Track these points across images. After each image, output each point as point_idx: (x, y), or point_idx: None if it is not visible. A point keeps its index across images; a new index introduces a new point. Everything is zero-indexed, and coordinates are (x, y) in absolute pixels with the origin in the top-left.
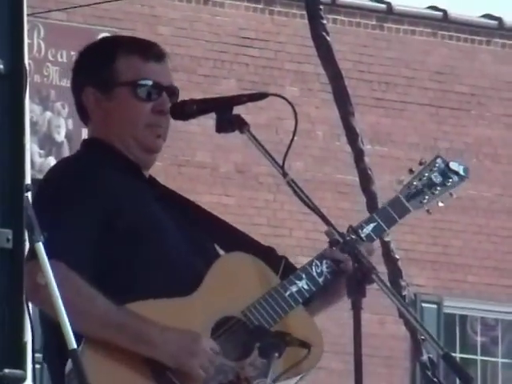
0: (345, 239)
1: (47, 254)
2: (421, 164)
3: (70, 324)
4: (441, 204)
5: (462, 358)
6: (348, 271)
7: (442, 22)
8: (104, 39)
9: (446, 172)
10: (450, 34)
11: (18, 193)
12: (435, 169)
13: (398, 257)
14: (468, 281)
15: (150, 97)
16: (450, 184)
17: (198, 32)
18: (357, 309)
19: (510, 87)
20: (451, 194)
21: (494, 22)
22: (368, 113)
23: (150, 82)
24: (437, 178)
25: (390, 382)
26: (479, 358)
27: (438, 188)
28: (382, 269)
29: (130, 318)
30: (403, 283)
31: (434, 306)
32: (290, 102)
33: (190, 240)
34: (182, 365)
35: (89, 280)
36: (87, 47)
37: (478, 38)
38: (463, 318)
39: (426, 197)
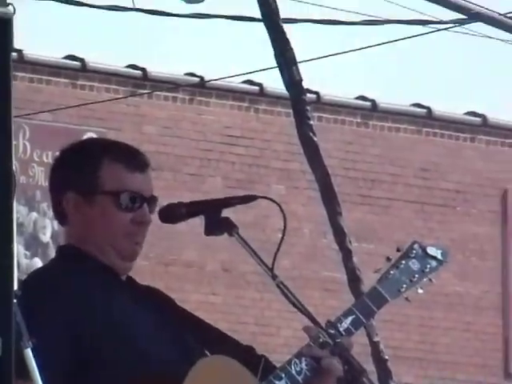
0: (335, 341)
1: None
2: (398, 251)
3: None
4: (420, 291)
5: None
6: (327, 367)
7: (427, 119)
8: (89, 142)
9: (424, 257)
10: (435, 131)
11: (7, 300)
12: (412, 255)
13: (387, 357)
14: (457, 378)
15: (132, 207)
16: (428, 270)
17: (184, 131)
18: None
19: (495, 184)
20: (431, 280)
21: (477, 119)
22: (354, 210)
23: (132, 194)
24: (414, 265)
25: None
26: None
27: (416, 275)
28: (370, 367)
29: None
30: None
31: None
32: (279, 205)
33: (170, 341)
34: None
35: None
36: (71, 148)
37: (463, 135)
38: None
39: (404, 285)
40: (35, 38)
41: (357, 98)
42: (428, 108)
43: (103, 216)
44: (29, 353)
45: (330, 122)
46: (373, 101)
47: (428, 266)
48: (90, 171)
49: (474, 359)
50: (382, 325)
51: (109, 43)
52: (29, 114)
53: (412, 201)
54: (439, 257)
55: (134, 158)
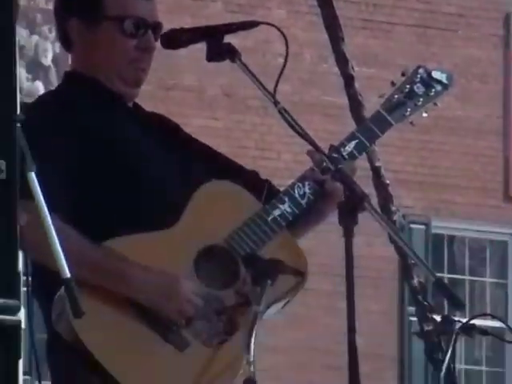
0: (337, 167)
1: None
2: (403, 75)
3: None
4: (425, 114)
5: (449, 278)
6: (330, 191)
7: None
8: None
9: (429, 81)
10: None
11: (10, 123)
12: (417, 79)
13: (388, 182)
14: (456, 201)
15: (136, 33)
16: (432, 94)
17: None
18: (348, 236)
19: (498, 7)
20: (435, 104)
21: None
22: (355, 35)
23: (136, 20)
24: (419, 89)
25: (378, 302)
26: (467, 277)
27: (421, 99)
28: (369, 190)
29: (107, 256)
30: (393, 208)
31: (422, 227)
32: (281, 31)
33: (176, 166)
34: (159, 308)
35: (65, 218)
36: None
37: None
38: (451, 238)
39: (409, 109)
40: None
41: None
42: None
43: (107, 42)
44: (32, 176)
45: None
46: None
47: (433, 89)
48: None
49: (474, 182)
50: (382, 149)
51: None
52: None
53: (414, 25)
54: (444, 81)
55: None
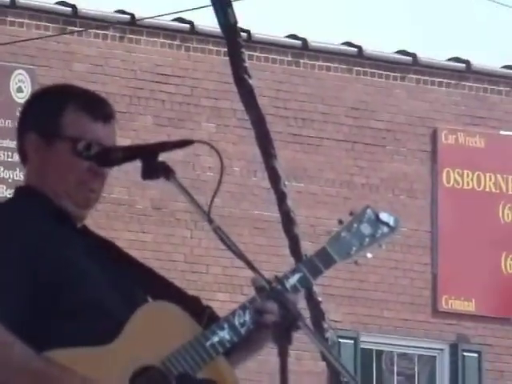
0: (271, 286)
1: None
2: (351, 214)
3: None
4: (369, 255)
5: None
6: (269, 322)
7: (357, 57)
8: (57, 87)
9: (376, 223)
10: (365, 69)
11: None
12: (364, 219)
13: (320, 299)
14: (384, 316)
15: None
16: (379, 235)
17: (114, 69)
18: (283, 356)
19: (425, 123)
20: (380, 245)
21: (408, 58)
22: (284, 148)
23: (91, 142)
24: (366, 229)
25: None
26: None
27: (367, 239)
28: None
29: (49, 365)
30: (325, 325)
31: (351, 342)
32: (216, 150)
33: (117, 288)
34: None
35: (8, 327)
36: (40, 92)
37: (393, 73)
38: (380, 353)
39: (354, 248)
40: None
41: (288, 37)
42: (359, 47)
43: (60, 161)
44: None
45: (260, 61)
46: (303, 39)
47: (379, 231)
48: (53, 115)
49: (402, 297)
50: None
51: None
52: None
53: (342, 140)
54: (391, 223)
55: (98, 108)
